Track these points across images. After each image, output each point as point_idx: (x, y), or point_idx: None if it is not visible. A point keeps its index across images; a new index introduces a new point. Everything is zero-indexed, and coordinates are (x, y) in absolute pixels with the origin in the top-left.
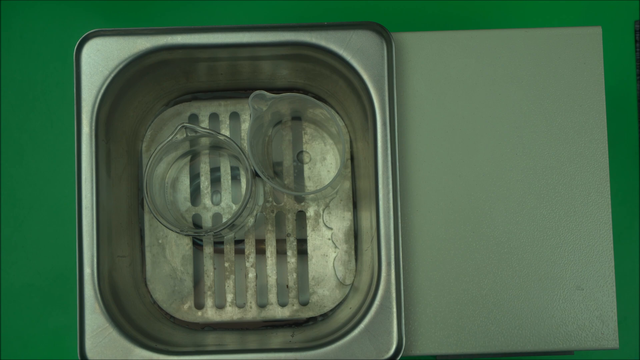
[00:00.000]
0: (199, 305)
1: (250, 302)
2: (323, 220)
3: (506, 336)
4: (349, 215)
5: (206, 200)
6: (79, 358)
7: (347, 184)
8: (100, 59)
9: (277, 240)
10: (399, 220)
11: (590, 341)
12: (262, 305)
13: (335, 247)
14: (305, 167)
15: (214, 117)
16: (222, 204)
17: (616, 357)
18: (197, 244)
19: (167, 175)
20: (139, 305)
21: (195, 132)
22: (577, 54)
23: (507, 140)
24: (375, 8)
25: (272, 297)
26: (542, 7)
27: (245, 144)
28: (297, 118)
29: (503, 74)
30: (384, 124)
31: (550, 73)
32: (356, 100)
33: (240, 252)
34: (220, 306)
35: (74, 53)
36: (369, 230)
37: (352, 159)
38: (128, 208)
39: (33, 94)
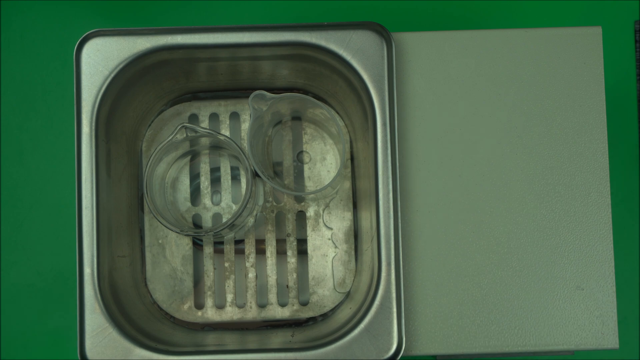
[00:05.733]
0: (199, 305)
1: (250, 302)
2: (323, 220)
3: (506, 336)
4: (349, 215)
5: (206, 200)
6: (79, 358)
7: (347, 184)
8: (100, 59)
9: (277, 240)
10: (399, 220)
11: (590, 341)
12: (262, 305)
13: (335, 247)
14: (305, 167)
15: (214, 117)
16: (222, 204)
17: (616, 357)
18: (197, 244)
19: (167, 175)
20: (139, 305)
21: (195, 132)
22: (577, 54)
23: (507, 140)
24: (375, 8)
25: (272, 297)
26: (542, 7)
27: (245, 144)
28: (297, 118)
29: (503, 74)
30: (384, 124)
31: (550, 73)
32: (356, 100)
33: (240, 252)
34: (220, 306)
35: (74, 53)
36: (369, 230)
37: (352, 159)
38: (128, 208)
39: (33, 94)
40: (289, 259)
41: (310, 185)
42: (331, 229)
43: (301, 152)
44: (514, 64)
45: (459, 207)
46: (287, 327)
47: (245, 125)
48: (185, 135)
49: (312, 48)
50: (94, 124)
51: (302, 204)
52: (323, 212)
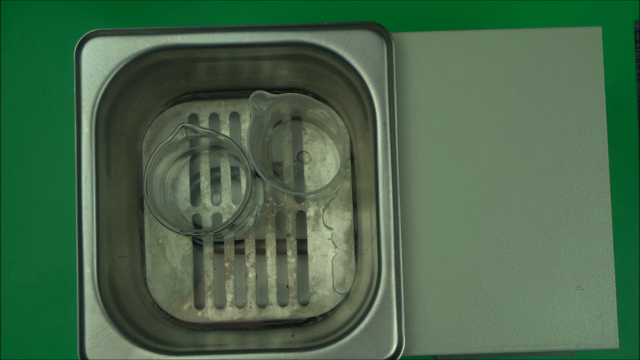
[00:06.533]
0: (199, 305)
1: (250, 302)
2: (323, 220)
3: (506, 336)
4: (349, 215)
5: (206, 200)
6: (79, 358)
7: (347, 184)
8: (100, 59)
9: (277, 240)
10: (399, 220)
11: (590, 341)
12: (262, 305)
13: (335, 247)
14: (305, 167)
15: (214, 117)
16: (222, 204)
17: (616, 357)
18: (197, 244)
19: (167, 175)
20: (139, 305)
21: (195, 132)
22: (577, 54)
23: (507, 140)
24: (375, 8)
25: (272, 297)
26: (542, 7)
27: (245, 144)
28: (297, 118)
29: (503, 74)
30: (384, 124)
31: (550, 73)
32: (356, 100)
33: (240, 252)
34: (220, 306)
35: (74, 53)
36: (369, 230)
37: (352, 159)
38: (128, 208)
39: (33, 94)
40: (289, 259)
41: (310, 185)
42: (331, 229)
43: (301, 152)
44: (514, 64)
45: (459, 207)
46: (287, 327)
47: (245, 125)
48: (185, 135)
49: (312, 48)
50: (94, 124)
51: (302, 204)
52: (323, 212)
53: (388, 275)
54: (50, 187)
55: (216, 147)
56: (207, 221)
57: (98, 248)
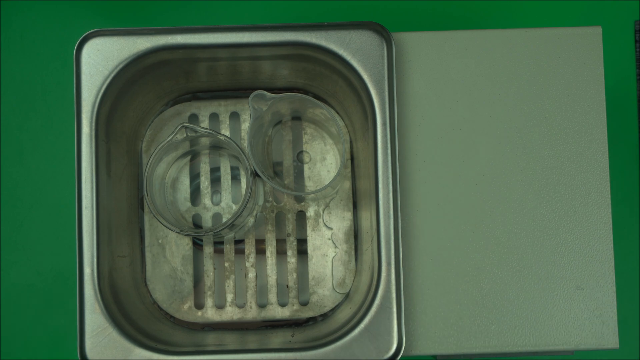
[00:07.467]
0: (199, 305)
1: (250, 302)
2: (323, 220)
3: (506, 336)
4: (349, 215)
5: (206, 200)
6: (79, 358)
7: (347, 184)
8: (100, 59)
9: (277, 240)
10: (399, 220)
11: (590, 341)
12: (262, 305)
13: (335, 247)
14: (305, 167)
15: (214, 117)
16: (222, 204)
17: (616, 357)
18: (197, 244)
19: (167, 175)
20: (139, 305)
21: (195, 132)
22: (577, 54)
23: (507, 140)
24: (375, 8)
25: (272, 297)
26: (542, 7)
27: (245, 144)
28: (297, 118)
29: (503, 74)
30: (384, 124)
31: (550, 73)
32: (356, 100)
33: (240, 252)
34: (220, 306)
35: (74, 53)
36: (369, 230)
37: (352, 159)
38: (128, 208)
39: (33, 94)
40: (289, 259)
41: (310, 185)
42: (331, 229)
43: (301, 152)
44: (514, 64)
45: (459, 207)
46: (287, 327)
47: (245, 125)
48: (185, 135)
49: (312, 48)
50: (94, 124)
51: (302, 204)
52: (323, 212)
53: (388, 275)
54: (50, 187)
55: (216, 147)
56: (207, 221)
57: (98, 248)
